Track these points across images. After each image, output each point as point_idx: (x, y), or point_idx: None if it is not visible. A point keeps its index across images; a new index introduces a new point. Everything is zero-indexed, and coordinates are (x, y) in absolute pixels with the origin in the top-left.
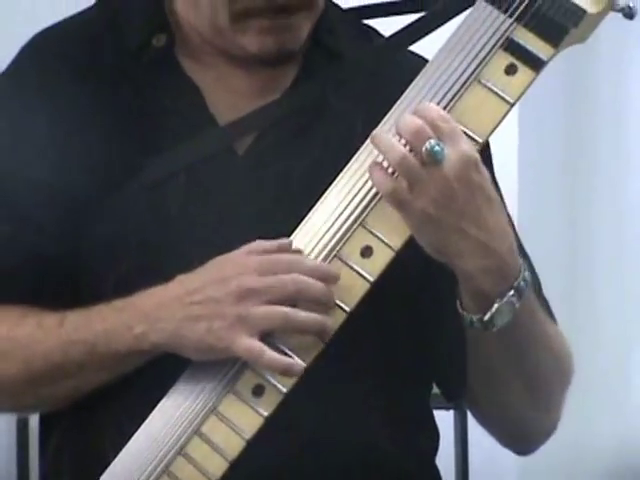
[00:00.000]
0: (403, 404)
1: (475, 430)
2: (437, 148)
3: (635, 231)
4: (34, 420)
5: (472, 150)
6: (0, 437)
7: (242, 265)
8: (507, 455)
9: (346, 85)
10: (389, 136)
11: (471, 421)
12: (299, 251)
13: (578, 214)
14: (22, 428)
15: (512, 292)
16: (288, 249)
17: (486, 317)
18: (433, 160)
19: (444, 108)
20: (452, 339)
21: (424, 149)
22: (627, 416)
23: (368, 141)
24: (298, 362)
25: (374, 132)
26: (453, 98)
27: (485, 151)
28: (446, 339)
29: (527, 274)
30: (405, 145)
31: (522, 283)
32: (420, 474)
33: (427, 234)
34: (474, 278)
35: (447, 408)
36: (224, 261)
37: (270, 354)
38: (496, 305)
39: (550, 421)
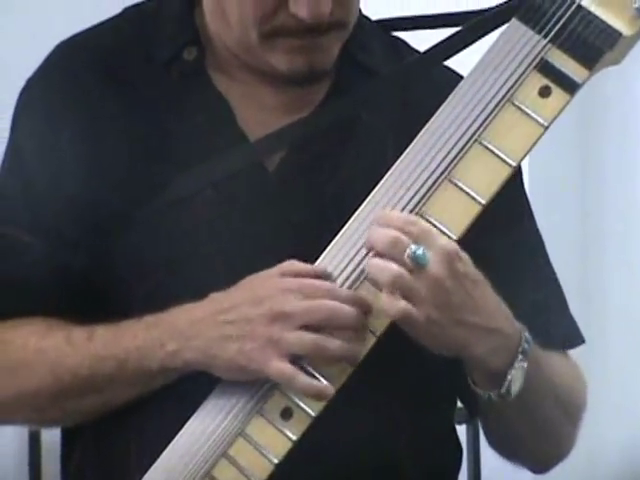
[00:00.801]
0: (428, 421)
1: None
2: (419, 252)
3: None
4: (46, 435)
5: (448, 242)
6: (12, 452)
7: (277, 287)
8: (519, 470)
9: (378, 101)
10: (376, 260)
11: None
12: (330, 276)
13: (589, 206)
14: (34, 443)
15: (520, 357)
16: (322, 275)
17: (503, 390)
18: (419, 265)
19: (477, 129)
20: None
21: (407, 258)
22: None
23: (398, 161)
24: (329, 387)
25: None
26: (486, 120)
27: (516, 175)
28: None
29: (527, 334)
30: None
31: (526, 346)
32: None
33: (433, 337)
34: (484, 361)
35: (459, 422)
36: (258, 281)
37: (302, 378)
38: (509, 376)
39: (563, 449)
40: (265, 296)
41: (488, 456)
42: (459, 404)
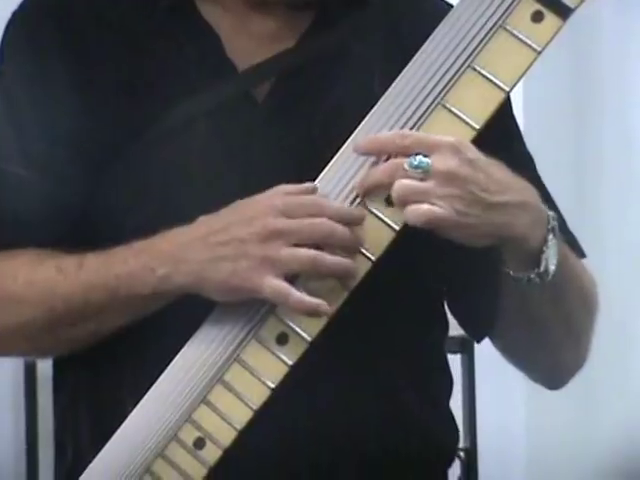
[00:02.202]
0: (419, 351)
1: (482, 373)
2: (416, 162)
3: None
4: (42, 365)
5: (447, 138)
6: (7, 385)
7: (268, 206)
8: (514, 396)
9: (366, 30)
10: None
11: (478, 364)
12: (323, 195)
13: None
14: (30, 374)
15: (551, 235)
16: (313, 192)
17: (541, 268)
18: (423, 170)
19: (469, 55)
20: (482, 282)
21: (410, 171)
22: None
23: (391, 88)
24: (324, 303)
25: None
26: (478, 46)
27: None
28: (475, 282)
29: (551, 212)
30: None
31: (554, 222)
32: (434, 419)
33: (473, 229)
34: (526, 238)
35: (454, 352)
36: (249, 202)
37: (297, 294)
38: (545, 253)
39: (580, 355)
40: (256, 215)
41: (482, 387)
42: (452, 333)
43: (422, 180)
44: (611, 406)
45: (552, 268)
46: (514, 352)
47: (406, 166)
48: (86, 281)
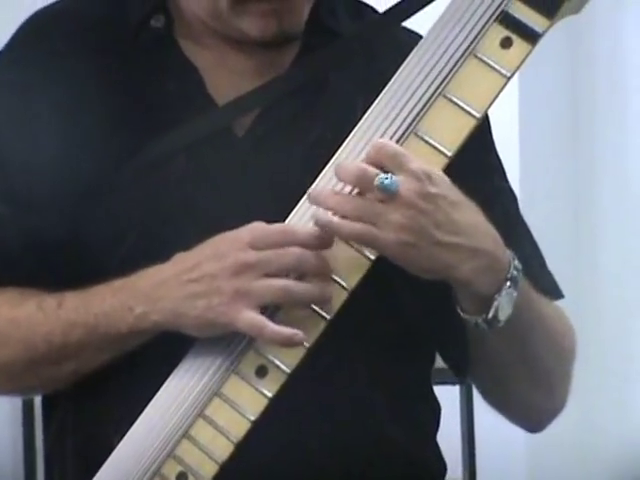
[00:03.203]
0: (403, 380)
1: (482, 404)
2: (387, 181)
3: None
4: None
5: (419, 165)
6: (6, 416)
7: (237, 240)
8: (514, 429)
9: (346, 65)
10: (332, 194)
11: (477, 395)
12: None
13: (580, 182)
14: (28, 408)
15: (508, 284)
16: (289, 232)
17: (490, 315)
18: (388, 194)
19: (441, 82)
20: (455, 319)
21: (376, 187)
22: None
23: (364, 118)
24: (299, 333)
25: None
26: (449, 73)
27: (483, 124)
28: (449, 318)
29: (517, 262)
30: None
31: (515, 272)
32: (418, 449)
33: (411, 260)
34: (470, 283)
35: (453, 383)
36: (220, 238)
37: (272, 326)
38: (496, 302)
39: (556, 400)
40: (226, 250)
41: (482, 418)
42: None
43: (383, 200)
44: (611, 426)
45: (503, 317)
46: (485, 394)
47: (377, 182)
48: (66, 320)
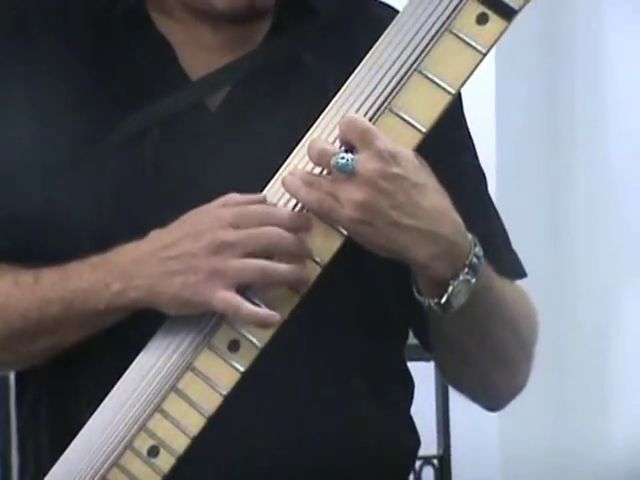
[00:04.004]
0: (375, 357)
1: None
2: (342, 162)
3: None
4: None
5: (385, 143)
6: None
7: (216, 218)
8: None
9: (319, 40)
10: (297, 171)
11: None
12: (272, 205)
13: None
14: (3, 383)
15: (466, 270)
16: (262, 202)
17: (443, 300)
18: (345, 173)
19: (416, 59)
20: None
21: (332, 167)
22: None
23: (339, 94)
24: (275, 314)
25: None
26: (425, 49)
27: (456, 102)
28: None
29: (478, 249)
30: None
31: (475, 260)
32: (391, 424)
33: (367, 238)
34: (426, 266)
35: (427, 359)
36: (198, 215)
37: (248, 306)
38: (451, 287)
39: (517, 381)
40: (205, 228)
41: (457, 394)
42: None
43: (339, 179)
44: (586, 410)
45: (456, 303)
46: (444, 372)
47: (333, 162)
48: (42, 296)
